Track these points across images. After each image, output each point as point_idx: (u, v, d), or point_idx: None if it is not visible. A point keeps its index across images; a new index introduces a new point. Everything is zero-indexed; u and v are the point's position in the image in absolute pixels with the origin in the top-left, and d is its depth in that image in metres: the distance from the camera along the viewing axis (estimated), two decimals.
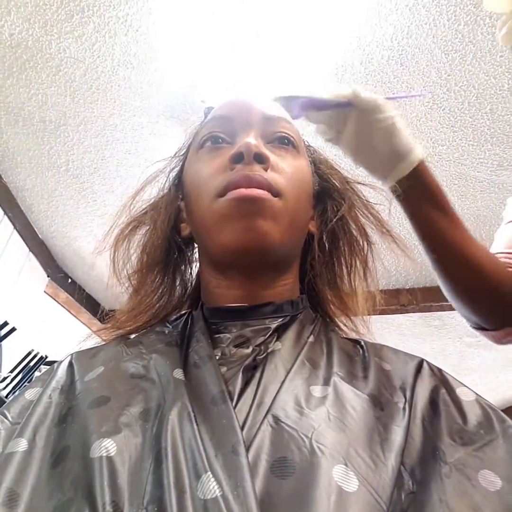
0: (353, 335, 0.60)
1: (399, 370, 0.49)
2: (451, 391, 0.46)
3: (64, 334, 3.02)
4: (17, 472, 0.38)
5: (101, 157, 2.25)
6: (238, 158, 0.53)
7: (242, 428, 0.39)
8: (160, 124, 2.09)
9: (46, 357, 2.00)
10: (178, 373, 0.46)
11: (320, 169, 0.65)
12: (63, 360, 0.52)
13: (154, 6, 1.62)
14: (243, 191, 0.51)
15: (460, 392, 0.46)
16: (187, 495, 0.34)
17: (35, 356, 1.94)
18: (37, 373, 1.91)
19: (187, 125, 2.08)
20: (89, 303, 3.39)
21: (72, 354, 0.53)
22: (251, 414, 0.41)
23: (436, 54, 1.74)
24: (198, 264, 0.65)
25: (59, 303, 3.09)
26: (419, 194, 0.71)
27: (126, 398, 0.43)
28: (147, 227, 0.63)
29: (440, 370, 0.50)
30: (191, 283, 0.66)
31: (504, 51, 1.68)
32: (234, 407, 0.41)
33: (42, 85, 1.90)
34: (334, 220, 0.60)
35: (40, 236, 2.81)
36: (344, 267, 0.61)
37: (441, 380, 0.48)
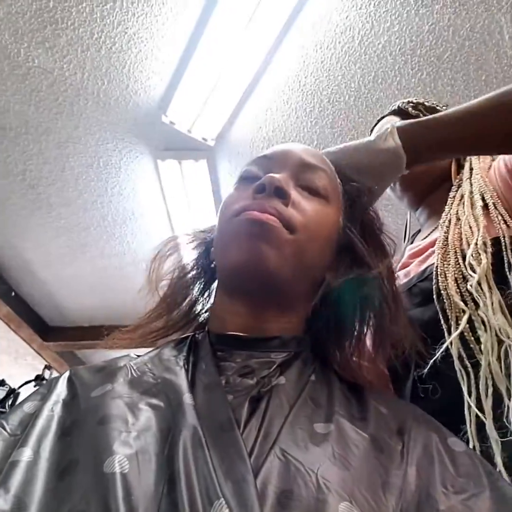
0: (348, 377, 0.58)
1: (395, 414, 0.50)
2: (443, 440, 0.47)
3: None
4: (24, 481, 0.38)
5: (61, 169, 2.20)
6: (259, 190, 0.55)
7: (249, 456, 0.40)
8: (126, 141, 2.07)
9: None
10: (188, 398, 0.46)
11: (354, 229, 0.62)
12: (62, 375, 0.53)
13: (130, 25, 1.62)
14: (255, 213, 0.53)
15: (451, 442, 0.47)
16: None
17: None
18: None
19: (152, 144, 2.08)
20: (31, 319, 3.25)
21: (70, 370, 0.54)
22: (258, 443, 0.42)
23: (398, 100, 1.82)
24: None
25: None
26: (427, 147, 0.68)
27: (136, 418, 0.43)
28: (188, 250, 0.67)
29: (431, 418, 0.51)
30: (203, 306, 0.68)
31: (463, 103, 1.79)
32: (241, 435, 0.42)
33: (6, 92, 1.85)
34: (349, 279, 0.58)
35: None
36: (355, 330, 0.59)
37: (434, 428, 0.49)
